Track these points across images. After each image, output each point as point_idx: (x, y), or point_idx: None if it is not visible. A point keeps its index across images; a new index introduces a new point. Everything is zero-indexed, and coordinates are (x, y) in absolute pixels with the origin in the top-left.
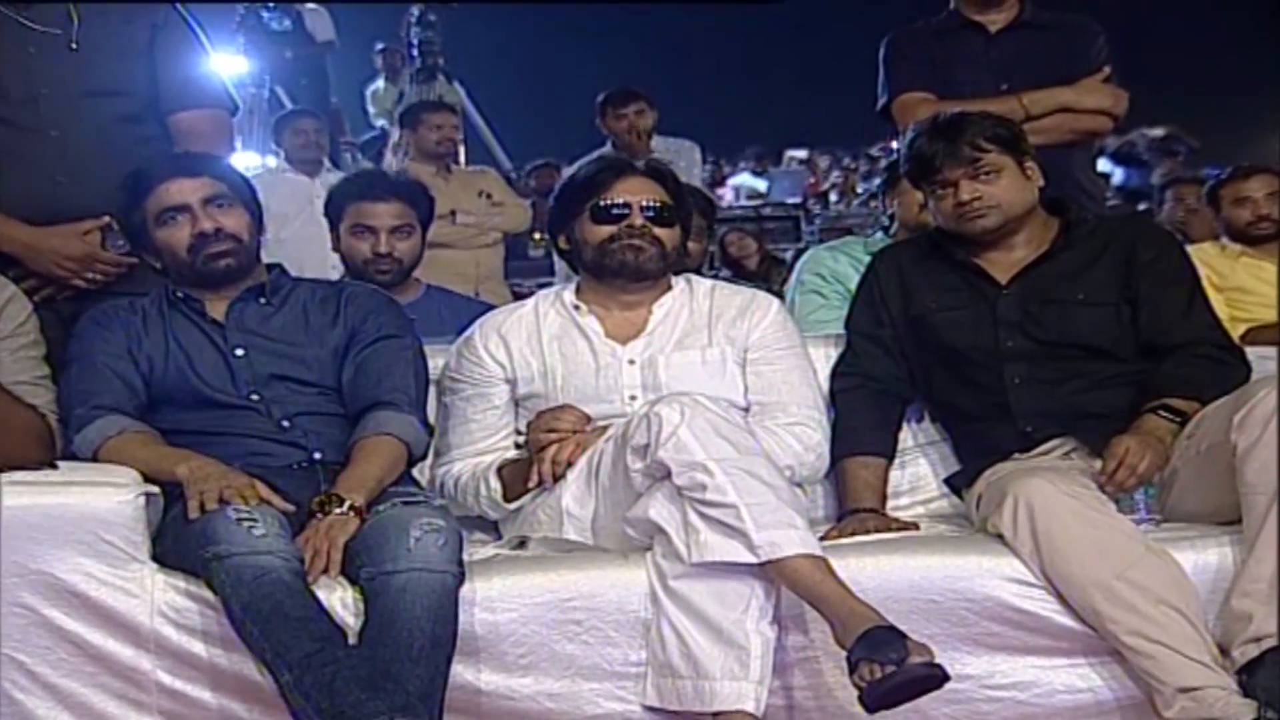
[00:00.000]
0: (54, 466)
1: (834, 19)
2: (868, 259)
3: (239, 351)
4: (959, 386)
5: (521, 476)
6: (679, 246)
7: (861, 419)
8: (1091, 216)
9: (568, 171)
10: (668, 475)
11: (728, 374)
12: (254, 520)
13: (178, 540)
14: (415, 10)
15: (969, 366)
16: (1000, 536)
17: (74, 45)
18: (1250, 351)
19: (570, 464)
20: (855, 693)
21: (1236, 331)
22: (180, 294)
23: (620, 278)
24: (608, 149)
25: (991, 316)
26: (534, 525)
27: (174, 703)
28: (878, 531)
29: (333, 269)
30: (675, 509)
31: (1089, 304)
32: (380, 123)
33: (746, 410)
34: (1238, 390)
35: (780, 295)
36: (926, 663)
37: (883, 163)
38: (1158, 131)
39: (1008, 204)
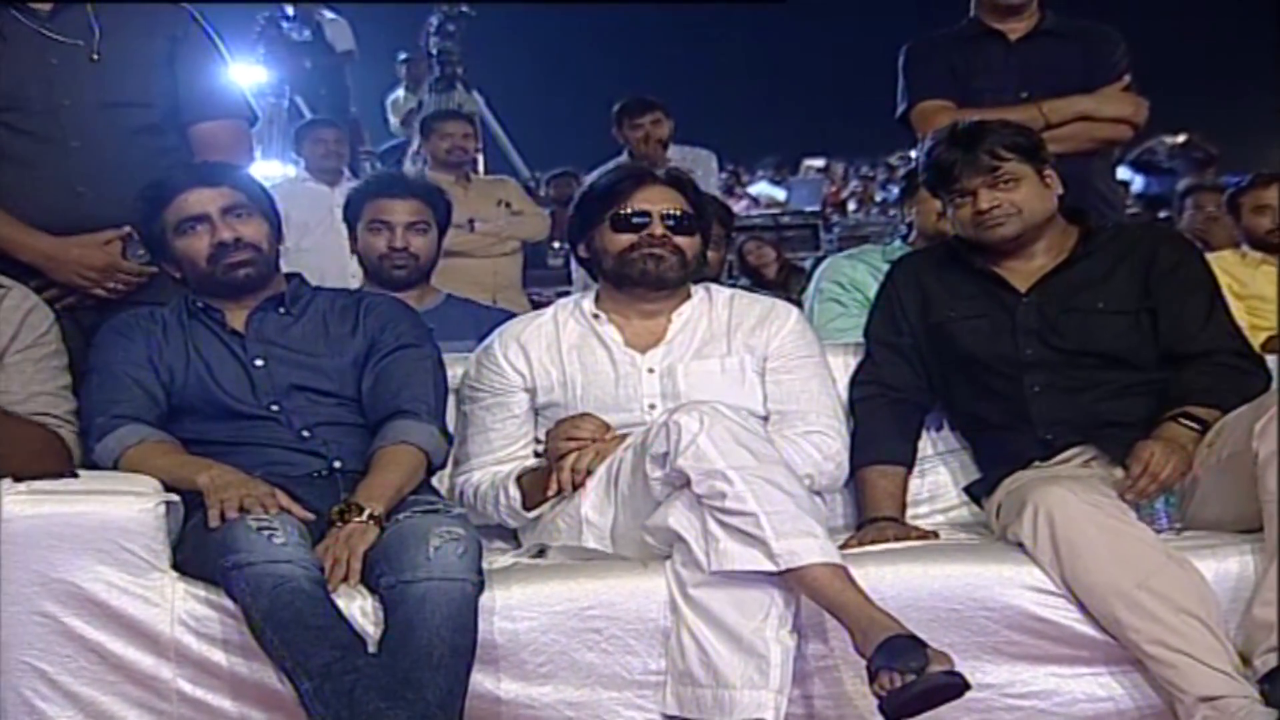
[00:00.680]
0: (74, 475)
1: (852, 26)
2: (886, 267)
3: (259, 362)
4: (978, 395)
5: (541, 485)
6: (699, 255)
7: (881, 428)
8: (1111, 224)
9: (587, 180)
10: (687, 484)
11: (747, 383)
12: (274, 529)
13: (198, 549)
14: (434, 19)
15: (988, 375)
16: (1020, 545)
17: (95, 56)
18: (1271, 359)
19: (589, 472)
20: (875, 701)
21: (1257, 339)
22: (200, 304)
23: (641, 287)
24: (625, 158)
25: (1011, 325)
26: (553, 534)
27: (194, 711)
28: (897, 540)
29: (353, 278)
30: (695, 517)
31: (1109, 312)
32: (399, 131)
33: (765, 419)
34: (1259, 398)
35: (799, 304)
36: (947, 671)
37: (901, 171)
38: (1178, 139)
39: (1027, 212)
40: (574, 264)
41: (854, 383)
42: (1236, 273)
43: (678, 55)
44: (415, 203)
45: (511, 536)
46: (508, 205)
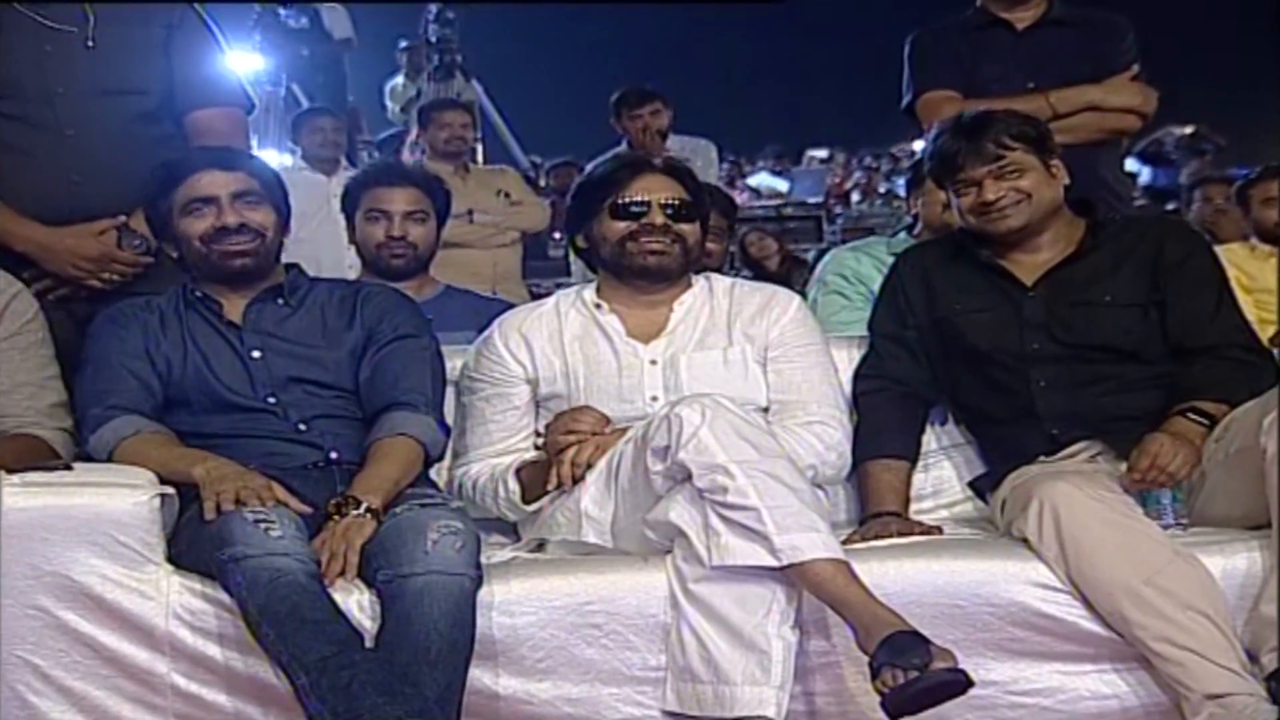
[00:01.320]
0: (69, 468)
1: (855, 15)
2: (891, 259)
3: (256, 354)
4: (984, 389)
5: (540, 478)
6: (700, 243)
7: (884, 421)
8: (1119, 217)
9: (585, 169)
10: (688, 477)
11: (750, 374)
12: (270, 522)
13: (193, 542)
14: (434, 7)
15: (994, 369)
16: (1025, 541)
17: (90, 43)
18: (1279, 354)
19: (589, 466)
20: (877, 698)
21: (1265, 333)
22: (198, 294)
23: (642, 278)
24: (624, 148)
25: (1017, 318)
26: (553, 528)
27: (189, 706)
28: (901, 535)
29: (350, 269)
30: (696, 512)
31: (1116, 305)
32: (398, 119)
33: (767, 410)
34: (1267, 393)
35: (802, 296)
36: (950, 668)
37: (906, 162)
38: (1186, 130)
39: (1033, 203)
40: (572, 256)
41: (858, 376)
42: (1245, 266)
43: (678, 43)
44: (413, 191)
45: (511, 530)
46: (507, 195)
